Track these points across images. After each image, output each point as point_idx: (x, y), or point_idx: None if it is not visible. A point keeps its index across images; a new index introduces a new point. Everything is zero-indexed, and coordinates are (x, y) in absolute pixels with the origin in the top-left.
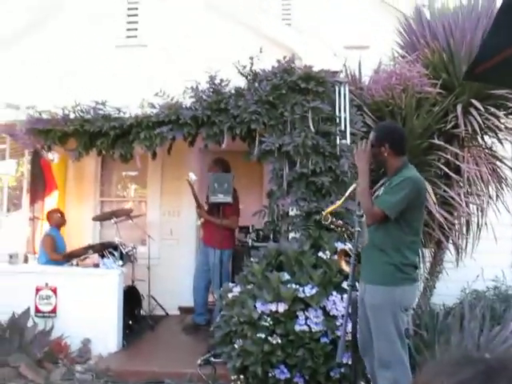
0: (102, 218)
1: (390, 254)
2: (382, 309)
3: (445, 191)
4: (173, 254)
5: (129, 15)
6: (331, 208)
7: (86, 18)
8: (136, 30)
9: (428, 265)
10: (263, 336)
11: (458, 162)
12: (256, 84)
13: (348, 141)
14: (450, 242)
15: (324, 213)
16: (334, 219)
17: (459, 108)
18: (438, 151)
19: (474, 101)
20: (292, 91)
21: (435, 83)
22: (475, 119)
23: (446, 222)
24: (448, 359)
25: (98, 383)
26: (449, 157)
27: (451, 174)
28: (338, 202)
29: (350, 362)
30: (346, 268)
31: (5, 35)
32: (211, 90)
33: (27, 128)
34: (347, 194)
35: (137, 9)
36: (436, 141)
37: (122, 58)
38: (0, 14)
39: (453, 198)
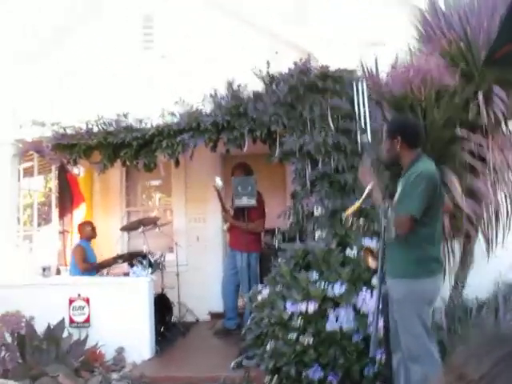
0: (129, 227)
1: (408, 248)
2: (405, 302)
3: (471, 182)
4: (200, 259)
5: (145, 27)
6: (351, 209)
7: (104, 32)
8: (152, 41)
9: (458, 257)
10: (294, 336)
11: (482, 152)
12: (273, 86)
13: (369, 137)
14: (480, 233)
15: (345, 215)
16: (356, 219)
17: (480, 96)
18: (462, 142)
19: (495, 88)
20: (310, 91)
21: (454, 74)
22: (498, 106)
23: (474, 213)
24: (479, 340)
25: None
26: (473, 147)
27: (476, 163)
28: (357, 203)
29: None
30: (373, 265)
31: (29, 52)
32: (230, 95)
33: (53, 144)
34: (365, 193)
35: (153, 20)
36: (459, 131)
37: (140, 70)
38: (25, 28)
39: (480, 189)
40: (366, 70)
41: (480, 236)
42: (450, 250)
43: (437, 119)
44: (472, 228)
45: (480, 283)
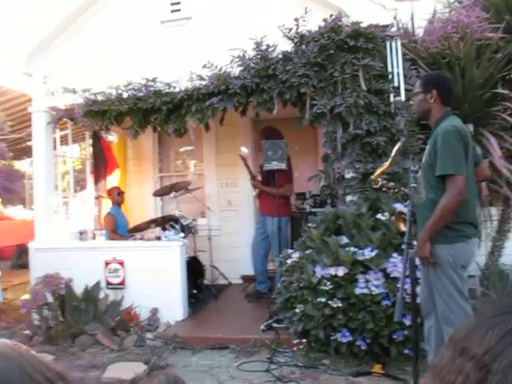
0: (161, 192)
1: None
2: (438, 267)
3: None
4: (232, 224)
5: None
6: (380, 171)
7: None
8: (179, 3)
9: (496, 223)
10: (323, 300)
11: None
12: (303, 46)
13: (402, 97)
14: None
15: (373, 176)
16: (385, 181)
17: None
18: (503, 101)
19: None
20: (341, 50)
21: (497, 27)
22: None
23: None
24: (486, 312)
25: (167, 349)
26: None
27: None
28: (386, 164)
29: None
30: (404, 229)
31: (59, 19)
32: (258, 56)
33: (84, 110)
34: (393, 153)
35: None
36: (500, 90)
37: (168, 33)
38: None
39: None
40: (400, 26)
41: None
42: (487, 215)
43: (476, 77)
44: (511, 193)
45: None
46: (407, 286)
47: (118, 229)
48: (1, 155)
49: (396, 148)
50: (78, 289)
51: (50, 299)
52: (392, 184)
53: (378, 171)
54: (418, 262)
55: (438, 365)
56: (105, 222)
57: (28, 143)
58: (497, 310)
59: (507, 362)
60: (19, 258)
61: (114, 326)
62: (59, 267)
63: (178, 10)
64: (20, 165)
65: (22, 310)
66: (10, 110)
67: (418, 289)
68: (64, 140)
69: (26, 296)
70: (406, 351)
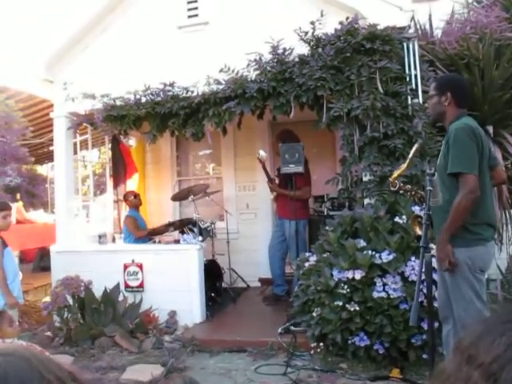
0: (179, 196)
1: None
2: (456, 270)
3: None
4: (251, 227)
5: None
6: (397, 173)
7: (148, 2)
8: (196, 8)
9: None
10: (341, 304)
11: None
12: (319, 49)
13: (420, 100)
14: None
15: (391, 179)
16: (402, 184)
17: None
18: None
19: None
20: (357, 53)
21: None
22: None
23: None
24: (494, 318)
25: (185, 351)
26: None
27: None
28: (403, 166)
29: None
30: (421, 232)
31: (78, 26)
32: (275, 60)
33: (104, 115)
34: (410, 155)
35: None
36: None
37: (185, 38)
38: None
39: None
40: (418, 27)
41: None
42: (508, 218)
43: (496, 78)
44: None
45: None
46: (424, 290)
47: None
48: (23, 160)
49: (413, 150)
50: (98, 291)
51: (71, 301)
52: (409, 187)
53: (396, 173)
54: (434, 265)
55: (445, 372)
56: (126, 224)
57: (50, 148)
58: (504, 316)
59: None
60: (41, 260)
61: (133, 328)
62: (79, 270)
63: (196, 15)
64: (42, 169)
65: (44, 312)
66: (33, 115)
67: (436, 293)
68: (84, 145)
69: (47, 298)
70: (425, 356)
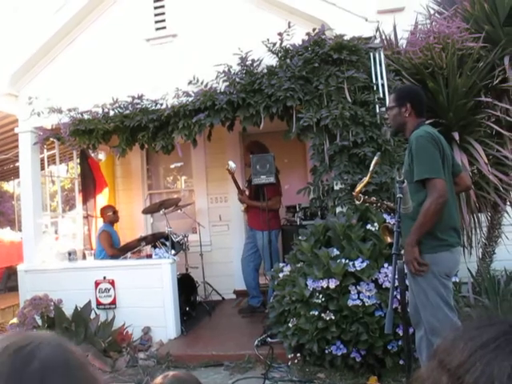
0: (150, 210)
1: None
2: (421, 277)
3: (498, 151)
4: (224, 239)
5: (156, 7)
6: (360, 186)
7: (115, 15)
8: (164, 21)
9: (485, 230)
10: (316, 313)
11: (509, 119)
12: (288, 60)
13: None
14: (508, 204)
15: (354, 193)
16: (367, 197)
17: (506, 60)
18: (487, 109)
19: None
20: (325, 63)
21: (478, 37)
22: None
23: (502, 183)
24: (469, 323)
25: (160, 368)
26: (499, 114)
27: (503, 131)
28: (366, 179)
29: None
30: (391, 240)
31: (43, 40)
32: (243, 71)
33: (71, 130)
34: (371, 168)
35: (163, 0)
36: (483, 98)
37: (153, 50)
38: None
39: (507, 158)
40: (383, 37)
41: (508, 207)
42: (476, 222)
43: (460, 86)
44: (499, 199)
45: (509, 256)
46: (398, 297)
47: (113, 245)
48: None
49: (373, 162)
50: (69, 310)
51: (40, 322)
52: (374, 199)
53: (359, 187)
54: (406, 270)
55: (421, 376)
56: (101, 240)
57: (16, 164)
58: (476, 323)
59: (478, 374)
60: (8, 280)
61: (106, 346)
62: (49, 289)
63: (164, 28)
64: (8, 186)
65: None
66: None
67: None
68: (52, 160)
69: (15, 320)
70: (402, 362)
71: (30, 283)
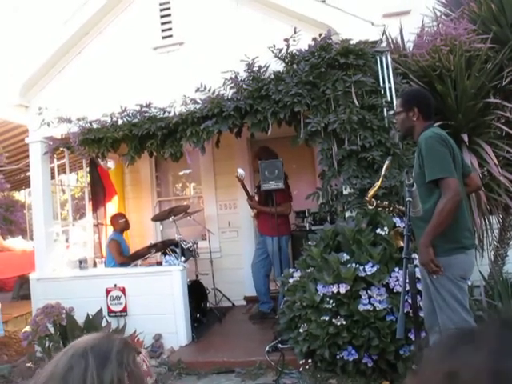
0: (159, 217)
1: None
2: (437, 280)
3: (508, 152)
4: (233, 245)
5: (162, 16)
6: (372, 192)
7: (122, 24)
8: (170, 29)
9: (497, 232)
10: (327, 318)
11: None
12: (294, 66)
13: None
14: None
15: (367, 198)
16: (379, 201)
17: None
18: (496, 110)
19: None
20: (332, 68)
21: (485, 38)
22: None
23: None
24: (442, 339)
25: (172, 375)
26: (508, 115)
27: None
28: (378, 184)
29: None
30: (403, 244)
31: (52, 50)
32: (250, 78)
33: (80, 139)
34: (383, 172)
35: (169, 8)
36: (492, 99)
37: (160, 59)
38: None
39: None
40: (390, 41)
41: None
42: (488, 224)
43: (468, 88)
44: (511, 201)
45: None
46: (409, 301)
47: (122, 254)
48: None
49: (385, 166)
50: (80, 318)
51: (52, 330)
52: (386, 203)
53: (371, 192)
54: (418, 275)
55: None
56: (110, 248)
57: (27, 173)
58: (460, 332)
59: None
60: (21, 288)
61: None
62: (61, 297)
63: (170, 36)
64: (20, 195)
65: (24, 343)
66: (8, 141)
67: (421, 303)
68: (62, 169)
69: (28, 328)
70: (414, 367)
71: (42, 291)
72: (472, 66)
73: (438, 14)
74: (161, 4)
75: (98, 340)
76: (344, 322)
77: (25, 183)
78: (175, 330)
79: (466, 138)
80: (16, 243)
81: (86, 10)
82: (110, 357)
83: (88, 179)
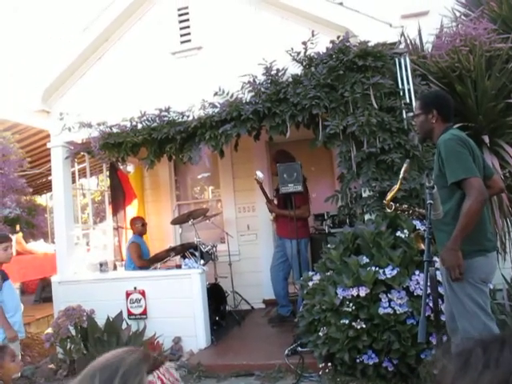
0: (179, 220)
1: (455, 226)
2: (457, 283)
3: None
4: (252, 248)
5: (180, 21)
6: (391, 195)
7: (141, 30)
8: (189, 34)
9: None
10: (347, 322)
11: None
12: (312, 69)
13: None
14: None
15: (385, 201)
16: (398, 204)
17: None
18: None
19: None
20: (350, 70)
21: (506, 38)
22: None
23: None
24: (463, 344)
25: (191, 378)
26: None
27: None
28: (396, 187)
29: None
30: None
31: (72, 56)
32: (268, 81)
33: (101, 143)
34: (401, 175)
35: (188, 13)
36: None
37: (179, 63)
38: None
39: None
40: (408, 42)
41: None
42: (510, 226)
43: (488, 89)
44: None
45: None
46: (430, 305)
47: (142, 258)
48: (21, 191)
49: (403, 169)
50: (101, 320)
51: (73, 332)
52: (405, 206)
53: (389, 195)
54: (439, 278)
55: None
56: (130, 251)
57: (48, 178)
58: (464, 346)
59: None
60: (43, 291)
61: None
62: (82, 299)
63: (189, 41)
64: (41, 199)
65: (46, 344)
66: (30, 146)
67: (443, 306)
68: (82, 173)
69: (50, 330)
70: (435, 371)
71: (64, 294)
72: (492, 66)
73: (457, 14)
74: (179, 9)
75: (110, 361)
76: (364, 326)
77: (46, 187)
78: (194, 332)
79: (486, 139)
80: (38, 246)
81: (106, 16)
82: (113, 381)
83: (108, 183)
